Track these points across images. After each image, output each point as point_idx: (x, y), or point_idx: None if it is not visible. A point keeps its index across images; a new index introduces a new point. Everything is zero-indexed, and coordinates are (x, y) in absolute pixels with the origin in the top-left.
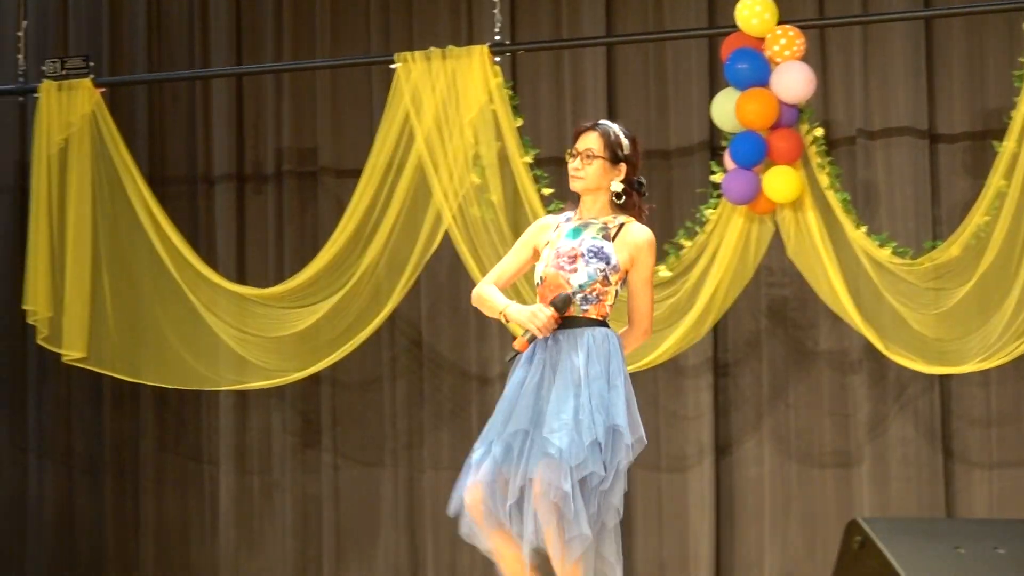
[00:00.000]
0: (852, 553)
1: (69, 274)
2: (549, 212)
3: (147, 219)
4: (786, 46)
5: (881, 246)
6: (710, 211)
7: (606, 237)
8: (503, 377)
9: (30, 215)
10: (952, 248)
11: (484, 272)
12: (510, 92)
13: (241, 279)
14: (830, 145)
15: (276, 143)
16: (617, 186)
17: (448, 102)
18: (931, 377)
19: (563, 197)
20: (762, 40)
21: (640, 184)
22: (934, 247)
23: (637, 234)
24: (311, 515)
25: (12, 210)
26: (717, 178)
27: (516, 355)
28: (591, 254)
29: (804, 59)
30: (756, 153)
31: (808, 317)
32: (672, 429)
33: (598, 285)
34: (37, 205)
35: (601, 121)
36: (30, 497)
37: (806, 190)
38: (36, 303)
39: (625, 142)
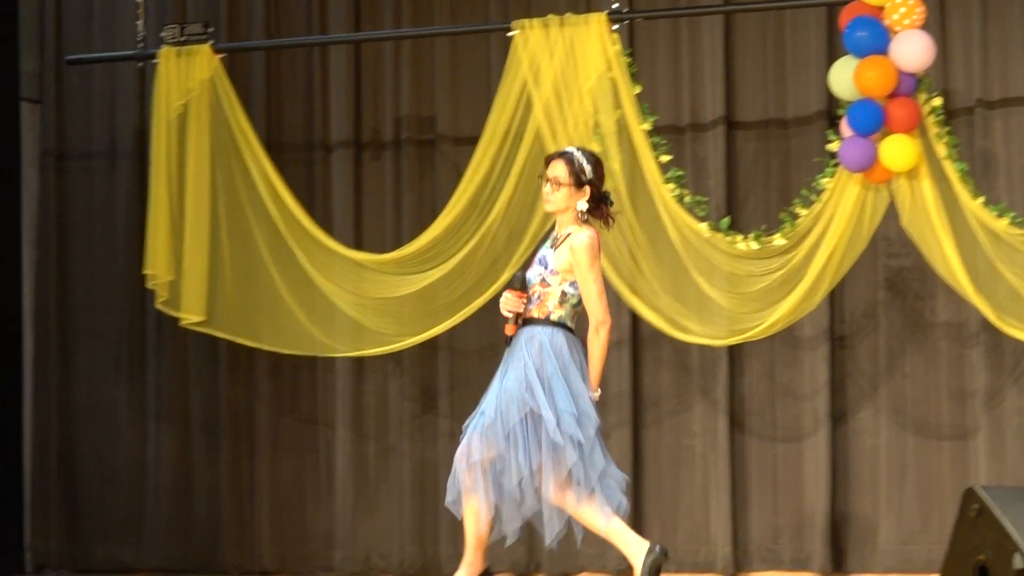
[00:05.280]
0: (969, 521)
1: (188, 239)
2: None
3: (264, 185)
4: (906, 14)
5: (999, 216)
6: (826, 180)
7: (553, 247)
8: (619, 344)
9: (150, 180)
10: None
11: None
12: (628, 60)
13: (358, 245)
14: (948, 114)
15: (394, 111)
16: (583, 205)
17: (566, 70)
18: None
19: (680, 163)
20: (881, 8)
21: (606, 196)
22: None
23: (574, 239)
24: (428, 481)
25: (132, 176)
26: (833, 147)
27: (508, 338)
28: (538, 262)
29: (923, 28)
30: (873, 121)
31: (926, 288)
32: (788, 400)
33: (537, 287)
34: (157, 171)
35: (568, 150)
36: (148, 460)
37: (923, 159)
38: (156, 267)
39: (588, 167)
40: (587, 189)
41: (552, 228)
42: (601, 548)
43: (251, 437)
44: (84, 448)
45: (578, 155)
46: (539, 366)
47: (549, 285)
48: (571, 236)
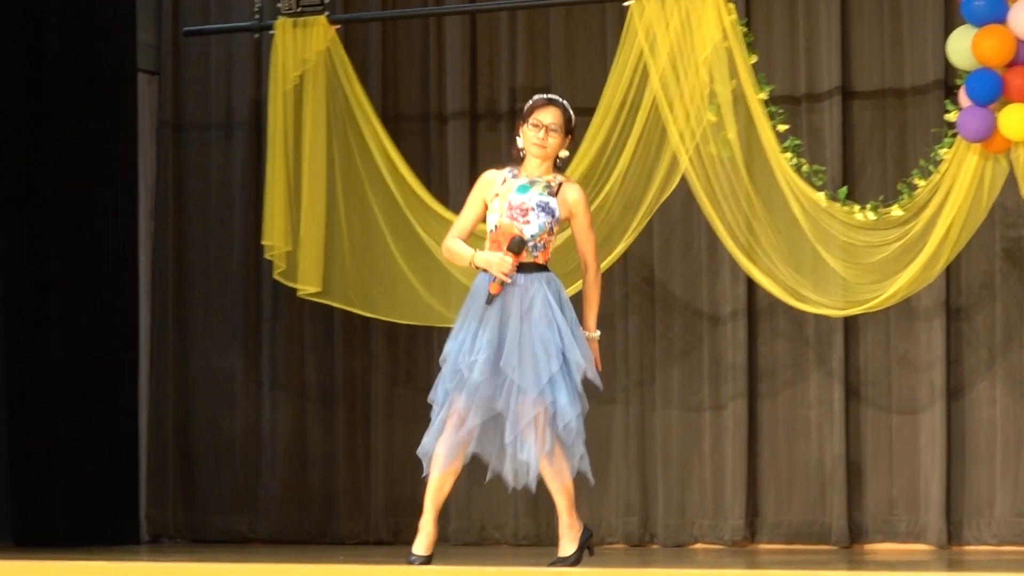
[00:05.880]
0: None
1: (304, 210)
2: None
3: (380, 156)
4: None
5: None
6: (944, 150)
7: (551, 194)
8: (735, 315)
9: (267, 151)
10: None
11: (718, 210)
12: (744, 29)
13: None
14: None
15: (509, 81)
16: (564, 152)
17: (682, 40)
18: None
19: (796, 132)
20: None
21: None
22: None
23: (573, 192)
24: None
25: (248, 147)
26: (951, 117)
27: (493, 297)
28: (540, 208)
29: None
30: (992, 90)
31: None
32: (904, 371)
33: (545, 235)
34: (273, 141)
35: (556, 97)
36: (263, 431)
37: None
38: (273, 238)
39: (572, 116)
40: (569, 138)
41: (515, 172)
42: (715, 520)
43: (366, 407)
44: (200, 419)
45: (566, 104)
46: (563, 311)
47: (552, 235)
48: (564, 187)
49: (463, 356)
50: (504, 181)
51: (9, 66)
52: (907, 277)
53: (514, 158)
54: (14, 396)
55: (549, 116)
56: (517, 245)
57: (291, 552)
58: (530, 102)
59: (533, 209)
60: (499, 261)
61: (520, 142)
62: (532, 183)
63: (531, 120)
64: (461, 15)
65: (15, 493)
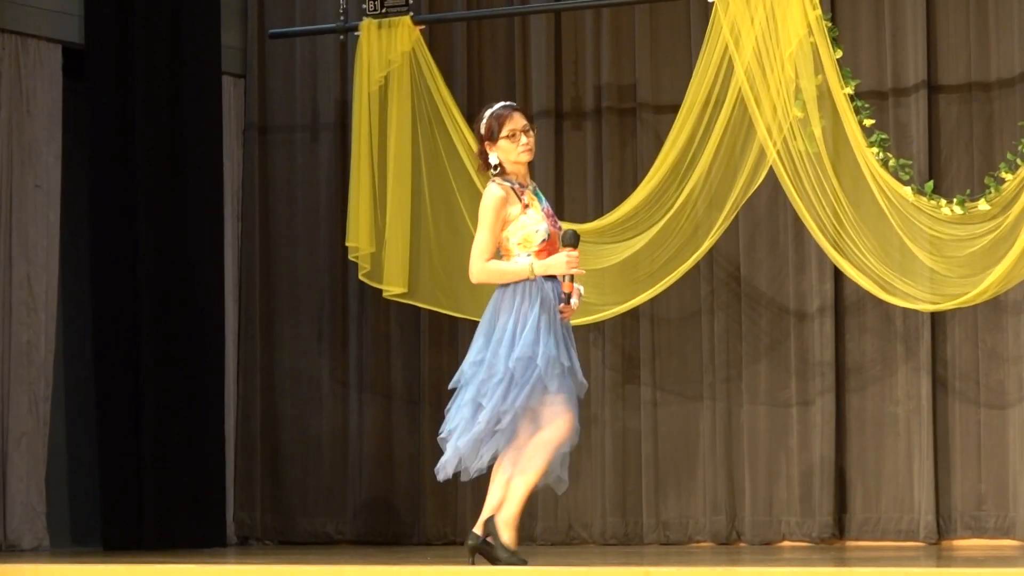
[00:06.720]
0: None
1: (390, 211)
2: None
3: (466, 155)
4: None
5: None
6: None
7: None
8: (822, 311)
9: (351, 153)
10: None
11: (807, 204)
12: (829, 24)
13: (559, 215)
14: None
15: (595, 79)
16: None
17: (767, 35)
18: None
19: (882, 127)
20: None
21: None
22: None
23: None
24: (630, 449)
25: (333, 148)
26: None
27: (569, 296)
28: (555, 217)
29: None
30: None
31: None
32: (992, 364)
33: None
34: (358, 143)
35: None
36: (350, 432)
37: None
38: (358, 239)
39: None
40: None
41: (518, 182)
42: (803, 517)
43: None
44: (287, 420)
45: None
46: None
47: None
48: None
49: (564, 361)
50: (522, 192)
51: (96, 71)
52: (998, 273)
53: (488, 177)
54: (103, 399)
55: (521, 120)
56: (573, 238)
57: (378, 553)
58: (491, 118)
59: (552, 216)
60: (567, 259)
61: (494, 159)
62: (537, 189)
63: (505, 132)
64: (546, 14)
65: (104, 496)
